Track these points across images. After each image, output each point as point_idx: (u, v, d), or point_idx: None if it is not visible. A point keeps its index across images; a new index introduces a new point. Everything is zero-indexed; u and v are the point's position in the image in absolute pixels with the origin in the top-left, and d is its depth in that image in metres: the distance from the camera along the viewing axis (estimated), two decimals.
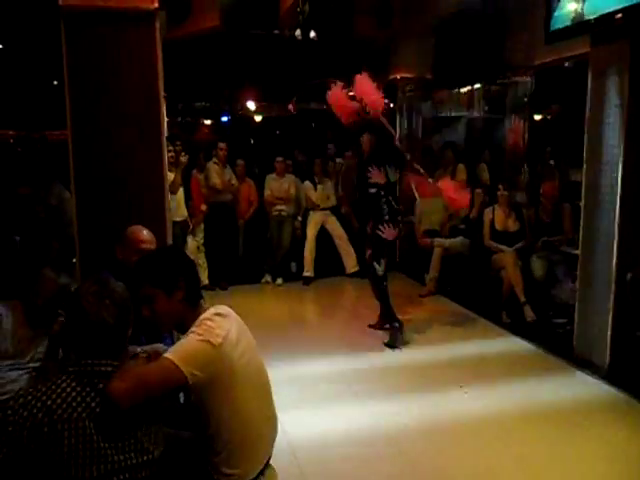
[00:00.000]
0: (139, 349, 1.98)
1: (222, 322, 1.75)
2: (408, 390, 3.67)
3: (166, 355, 1.61)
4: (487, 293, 5.20)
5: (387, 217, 4.38)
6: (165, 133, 3.20)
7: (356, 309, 5.95)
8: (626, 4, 3.44)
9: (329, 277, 6.65)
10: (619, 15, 3.49)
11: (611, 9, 3.53)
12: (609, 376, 3.69)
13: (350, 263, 6.68)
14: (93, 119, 2.94)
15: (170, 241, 3.20)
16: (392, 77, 6.99)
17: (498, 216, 5.30)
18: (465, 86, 6.69)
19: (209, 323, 1.71)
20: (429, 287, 5.94)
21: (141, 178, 3.00)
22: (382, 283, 4.57)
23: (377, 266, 4.49)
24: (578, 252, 4.07)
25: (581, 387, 3.71)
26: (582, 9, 3.75)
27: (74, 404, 1.46)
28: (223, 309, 1.84)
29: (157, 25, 3.04)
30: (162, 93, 3.20)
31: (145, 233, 2.64)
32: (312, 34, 6.02)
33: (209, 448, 1.73)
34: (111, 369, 1.53)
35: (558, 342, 4.31)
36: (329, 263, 6.67)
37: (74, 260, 3.15)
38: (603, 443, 3.00)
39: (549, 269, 4.95)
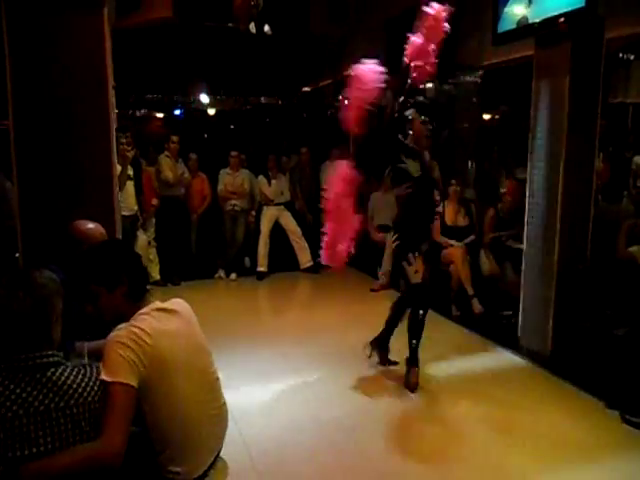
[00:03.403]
0: (86, 345, 1.94)
1: (158, 318, 1.74)
2: (366, 382, 3.73)
3: (109, 379, 1.57)
4: (437, 287, 5.33)
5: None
6: (114, 124, 3.12)
7: (310, 304, 5.99)
8: (568, 9, 3.60)
9: (283, 272, 6.66)
10: (562, 19, 3.64)
11: (554, 13, 3.68)
12: (550, 364, 3.86)
13: (304, 258, 6.70)
14: (37, 109, 2.82)
15: (120, 236, 3.12)
16: (346, 74, 7.02)
17: (448, 211, 5.43)
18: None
19: (140, 321, 1.70)
20: (381, 281, 6.03)
21: (88, 170, 2.91)
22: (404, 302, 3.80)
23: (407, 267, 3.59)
24: (523, 246, 4.23)
25: (525, 375, 3.87)
26: (527, 13, 3.90)
27: (8, 403, 1.40)
28: (170, 304, 1.83)
29: (105, 13, 2.95)
30: (111, 83, 3.12)
31: (94, 227, 2.58)
32: (266, 28, 6.00)
33: (152, 448, 1.72)
34: (52, 360, 1.49)
35: (504, 333, 4.46)
36: (283, 258, 6.67)
37: (17, 255, 3.03)
38: (542, 423, 3.14)
39: (496, 263, 5.12)
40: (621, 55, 5.87)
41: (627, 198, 5.65)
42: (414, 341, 3.65)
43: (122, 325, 1.69)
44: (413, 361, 3.66)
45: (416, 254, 3.54)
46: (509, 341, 4.28)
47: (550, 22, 3.71)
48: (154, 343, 1.67)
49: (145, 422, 1.69)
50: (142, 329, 1.67)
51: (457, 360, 4.12)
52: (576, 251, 3.91)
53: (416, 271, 3.55)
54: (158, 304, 1.80)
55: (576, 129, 3.77)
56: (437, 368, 3.93)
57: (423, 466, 2.78)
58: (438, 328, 4.82)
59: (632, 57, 6.05)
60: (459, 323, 4.91)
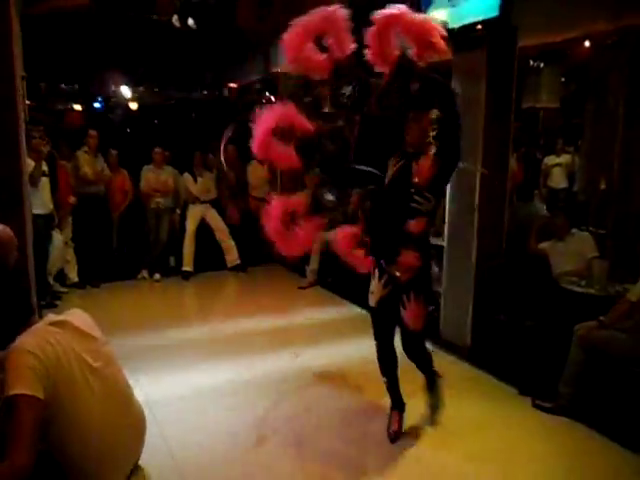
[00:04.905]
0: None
1: (54, 333, 1.65)
2: (292, 380, 3.74)
3: (13, 392, 1.49)
4: (364, 284, 5.42)
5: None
6: (23, 117, 2.93)
7: (237, 303, 5.92)
8: (484, 17, 3.77)
9: (209, 271, 6.54)
10: (479, 26, 3.81)
11: (472, 20, 3.85)
12: (470, 356, 4.04)
13: (231, 257, 6.62)
14: None
15: (30, 236, 2.94)
16: (273, 70, 7.01)
17: None
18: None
19: (40, 334, 1.61)
20: (309, 279, 6.07)
21: None
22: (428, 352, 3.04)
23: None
24: (444, 243, 4.39)
25: (445, 366, 4.00)
26: (448, 18, 4.04)
27: None
28: (65, 316, 1.74)
29: None
30: (20, 73, 2.93)
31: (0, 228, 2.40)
32: (190, 22, 5.86)
33: (62, 468, 1.62)
34: None
35: (427, 327, 4.59)
36: (209, 257, 6.55)
37: None
38: (461, 410, 3.28)
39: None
40: (532, 63, 6.25)
41: (538, 197, 6.02)
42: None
43: (24, 335, 1.58)
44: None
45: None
46: (432, 334, 4.43)
47: (467, 28, 3.87)
48: (59, 358, 1.57)
49: (50, 442, 1.59)
50: (49, 341, 1.57)
51: None
52: (492, 248, 4.10)
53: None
54: (52, 317, 1.70)
55: (492, 131, 3.95)
56: (361, 360, 3.97)
57: (345, 448, 2.83)
58: (363, 323, 4.91)
59: (542, 65, 6.46)
60: None
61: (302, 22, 2.68)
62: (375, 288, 2.92)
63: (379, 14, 2.63)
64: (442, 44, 2.63)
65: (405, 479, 2.68)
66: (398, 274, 2.74)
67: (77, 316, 1.77)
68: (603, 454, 2.89)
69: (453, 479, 2.69)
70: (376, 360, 3.03)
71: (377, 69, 2.75)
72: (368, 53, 2.72)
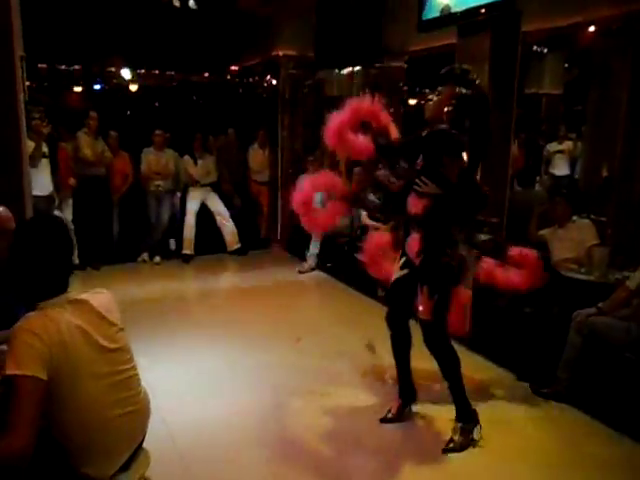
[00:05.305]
0: None
1: (71, 311, 1.64)
2: (289, 364, 3.76)
3: (14, 372, 1.48)
4: (363, 269, 5.43)
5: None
6: (23, 98, 2.91)
7: (237, 287, 5.93)
8: (488, 1, 3.73)
9: (210, 255, 6.55)
10: (483, 10, 3.77)
11: (475, 4, 3.81)
12: (469, 342, 4.05)
13: (231, 240, 6.62)
14: None
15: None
16: (274, 54, 6.94)
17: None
18: (345, 67, 6.83)
19: (51, 312, 1.60)
20: (309, 263, 6.08)
21: None
22: (454, 356, 2.89)
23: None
24: None
25: None
26: (451, 2, 4.00)
27: None
28: (88, 295, 1.72)
29: None
30: (19, 53, 2.91)
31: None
32: (191, 2, 5.80)
33: (63, 448, 1.62)
34: None
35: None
36: (209, 240, 6.56)
37: None
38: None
39: None
40: (536, 48, 6.18)
41: (539, 184, 6.00)
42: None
43: (31, 313, 1.58)
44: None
45: None
46: None
47: (471, 12, 3.83)
48: (63, 338, 1.56)
49: (51, 421, 1.59)
50: (54, 321, 1.56)
51: (385, 339, 4.22)
52: (493, 234, 4.09)
53: None
54: (73, 295, 1.68)
55: (494, 116, 3.92)
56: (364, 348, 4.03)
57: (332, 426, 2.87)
58: (364, 309, 4.95)
59: (546, 50, 6.39)
60: (384, 304, 5.02)
61: (347, 110, 2.81)
62: (395, 268, 2.97)
63: (329, 127, 2.77)
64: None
65: (399, 463, 2.72)
66: (411, 256, 2.79)
67: (100, 297, 1.76)
68: (599, 440, 2.92)
69: (449, 462, 2.72)
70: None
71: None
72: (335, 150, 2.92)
